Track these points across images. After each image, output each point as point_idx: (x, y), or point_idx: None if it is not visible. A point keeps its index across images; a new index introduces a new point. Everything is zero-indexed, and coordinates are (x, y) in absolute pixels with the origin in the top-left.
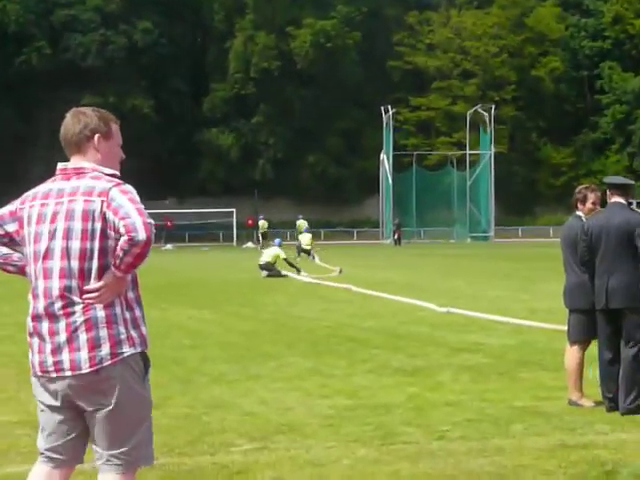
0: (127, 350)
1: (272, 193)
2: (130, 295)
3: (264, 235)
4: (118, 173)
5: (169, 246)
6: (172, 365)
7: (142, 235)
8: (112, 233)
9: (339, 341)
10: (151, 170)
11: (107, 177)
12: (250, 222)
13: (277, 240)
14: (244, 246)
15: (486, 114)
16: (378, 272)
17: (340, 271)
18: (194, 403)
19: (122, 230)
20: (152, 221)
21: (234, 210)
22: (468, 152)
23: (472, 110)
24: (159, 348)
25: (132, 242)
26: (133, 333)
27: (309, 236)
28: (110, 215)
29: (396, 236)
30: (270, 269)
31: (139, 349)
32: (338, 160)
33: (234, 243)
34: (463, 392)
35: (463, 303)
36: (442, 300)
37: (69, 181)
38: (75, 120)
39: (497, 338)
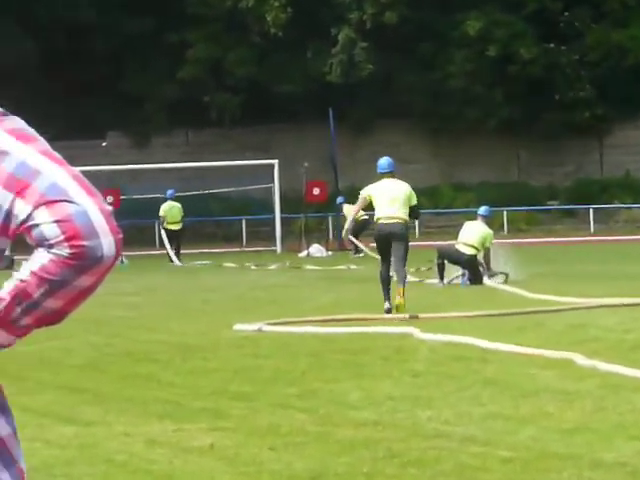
0: None
1: (370, 113)
2: None
3: (362, 226)
4: None
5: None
6: None
7: (107, 245)
8: None
9: None
10: (56, 64)
11: None
12: (318, 192)
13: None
14: (302, 254)
15: None
16: None
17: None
18: None
19: (48, 232)
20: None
21: (275, 162)
22: None
23: None
24: None
25: (83, 261)
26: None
27: (484, 230)
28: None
29: None
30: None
31: None
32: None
33: (277, 246)
34: None
35: None
36: None
37: None
38: None
39: None
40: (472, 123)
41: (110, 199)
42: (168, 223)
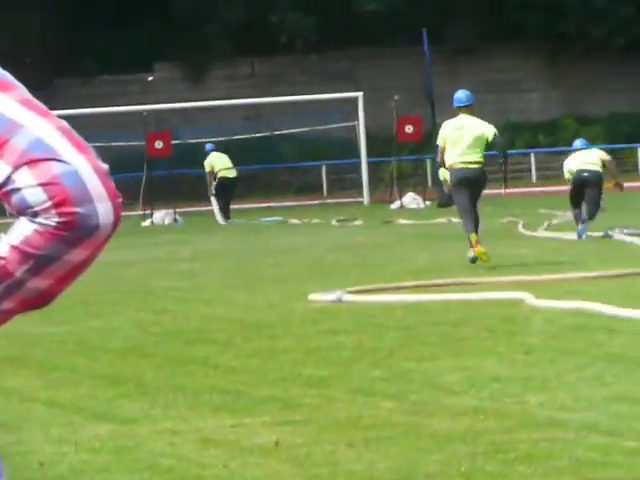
0: None
1: (474, 34)
2: None
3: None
4: None
5: (162, 216)
6: None
7: (103, 211)
8: None
9: None
10: None
11: None
12: (412, 130)
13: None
14: (394, 205)
15: None
16: None
17: None
18: None
19: (31, 198)
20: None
21: (359, 95)
22: None
23: None
24: None
25: (74, 231)
26: None
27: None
28: None
29: None
30: None
31: None
32: None
33: (364, 197)
34: None
35: None
36: None
37: None
38: None
39: None
40: (596, 43)
41: (159, 145)
42: (222, 170)
